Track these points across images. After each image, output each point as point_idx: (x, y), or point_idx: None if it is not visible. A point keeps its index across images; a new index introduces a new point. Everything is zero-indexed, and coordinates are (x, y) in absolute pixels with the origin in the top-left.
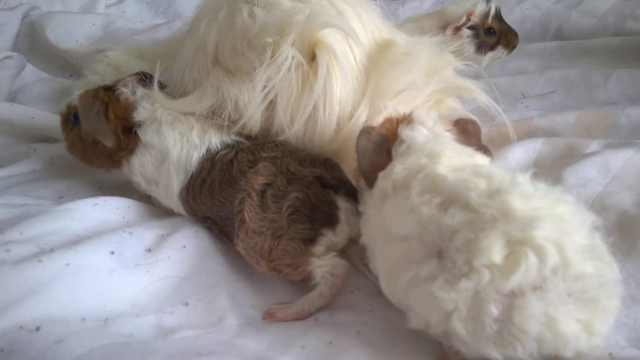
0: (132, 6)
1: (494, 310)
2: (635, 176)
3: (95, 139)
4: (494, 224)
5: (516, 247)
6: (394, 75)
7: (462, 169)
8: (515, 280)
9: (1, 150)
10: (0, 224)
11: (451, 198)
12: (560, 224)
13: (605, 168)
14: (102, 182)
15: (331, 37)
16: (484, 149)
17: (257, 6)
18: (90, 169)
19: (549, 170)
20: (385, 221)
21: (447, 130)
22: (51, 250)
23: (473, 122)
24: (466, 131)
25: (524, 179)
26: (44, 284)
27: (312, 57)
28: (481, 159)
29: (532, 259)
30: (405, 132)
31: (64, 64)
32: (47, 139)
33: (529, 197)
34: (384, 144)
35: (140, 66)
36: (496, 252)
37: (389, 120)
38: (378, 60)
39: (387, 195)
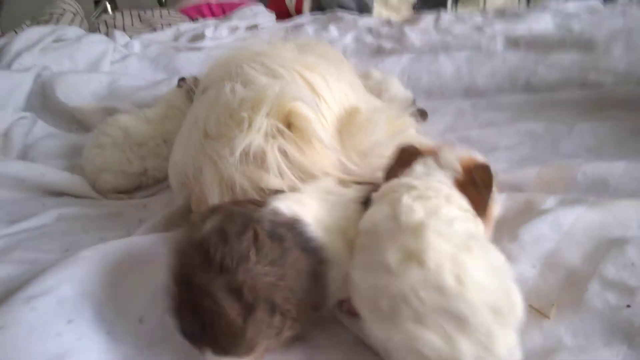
0: (135, 63)
1: None
2: (583, 233)
3: None
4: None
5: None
6: (359, 137)
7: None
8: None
9: (13, 205)
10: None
11: None
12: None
13: (557, 225)
14: (105, 235)
15: (303, 106)
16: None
17: (239, 83)
18: (94, 223)
19: (509, 226)
20: None
21: (455, 170)
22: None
23: (486, 170)
24: (477, 178)
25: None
26: None
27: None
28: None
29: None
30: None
31: (71, 119)
32: (56, 193)
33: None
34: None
35: (147, 130)
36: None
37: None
38: (346, 124)
39: None
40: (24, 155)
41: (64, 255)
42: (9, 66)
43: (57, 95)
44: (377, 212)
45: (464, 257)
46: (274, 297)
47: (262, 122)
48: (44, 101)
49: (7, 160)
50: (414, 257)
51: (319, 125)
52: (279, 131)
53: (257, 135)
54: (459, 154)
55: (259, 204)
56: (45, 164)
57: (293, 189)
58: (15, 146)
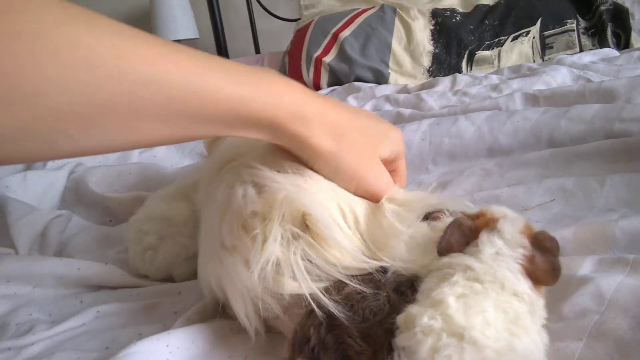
0: (162, 150)
1: None
2: (628, 299)
3: None
4: None
5: None
6: (385, 240)
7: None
8: None
9: (53, 304)
10: None
11: None
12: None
13: (599, 296)
14: (142, 330)
15: (317, 209)
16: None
17: (250, 185)
18: (131, 318)
19: (548, 299)
20: None
21: (523, 246)
22: None
23: (552, 240)
24: (544, 248)
25: None
26: None
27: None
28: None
29: None
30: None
31: (104, 210)
32: (92, 287)
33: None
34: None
35: (183, 206)
36: None
37: (483, 215)
38: (371, 223)
39: None
40: (60, 252)
41: (104, 355)
42: (43, 165)
43: (90, 187)
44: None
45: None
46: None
47: (277, 232)
48: (77, 196)
49: (45, 259)
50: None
51: (337, 229)
52: (296, 236)
53: (273, 246)
54: (518, 225)
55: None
56: (81, 258)
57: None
58: (52, 244)
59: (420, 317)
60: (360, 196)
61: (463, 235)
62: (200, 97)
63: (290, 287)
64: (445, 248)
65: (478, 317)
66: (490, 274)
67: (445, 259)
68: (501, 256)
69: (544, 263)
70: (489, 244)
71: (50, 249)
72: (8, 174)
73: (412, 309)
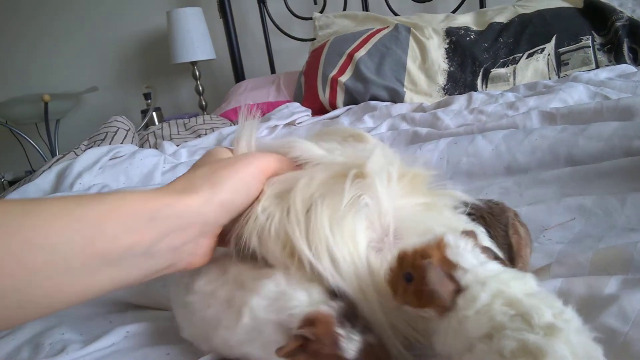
0: (183, 171)
1: None
2: None
3: None
4: None
5: None
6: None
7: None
8: None
9: (84, 324)
10: None
11: None
12: None
13: (623, 316)
14: (170, 349)
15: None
16: None
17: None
18: (160, 340)
19: None
20: None
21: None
22: None
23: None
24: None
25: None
26: None
27: None
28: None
29: None
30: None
31: None
32: (120, 307)
33: None
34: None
35: None
36: None
37: (421, 252)
38: None
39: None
40: None
41: None
42: (71, 187)
43: None
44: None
45: None
46: None
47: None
48: None
49: None
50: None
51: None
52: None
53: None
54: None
55: None
56: None
57: None
58: None
59: None
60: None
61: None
62: None
63: None
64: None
65: None
66: None
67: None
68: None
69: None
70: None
71: None
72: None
73: None
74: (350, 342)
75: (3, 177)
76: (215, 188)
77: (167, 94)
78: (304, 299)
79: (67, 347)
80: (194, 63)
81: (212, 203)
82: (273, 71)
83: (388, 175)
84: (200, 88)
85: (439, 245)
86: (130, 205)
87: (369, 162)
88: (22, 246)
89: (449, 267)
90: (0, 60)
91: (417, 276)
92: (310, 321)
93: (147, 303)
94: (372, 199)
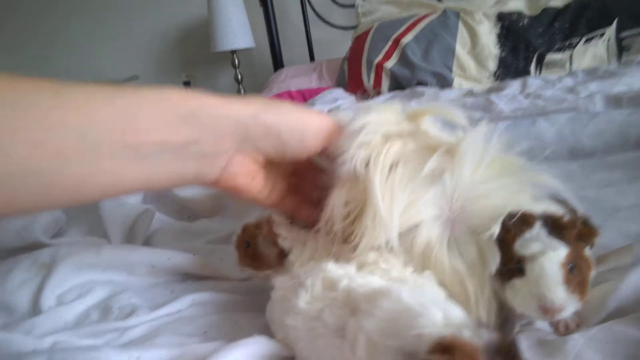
0: None
1: None
2: None
3: None
4: None
5: None
6: None
7: None
8: None
9: (147, 291)
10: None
11: None
12: None
13: None
14: (236, 318)
15: None
16: None
17: None
18: (226, 309)
19: None
20: None
21: None
22: None
23: None
24: None
25: None
26: None
27: None
28: None
29: None
30: None
31: (182, 209)
32: (180, 277)
33: None
34: None
35: None
36: None
37: None
38: None
39: None
40: (146, 245)
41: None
42: None
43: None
44: None
45: None
46: None
47: None
48: (156, 194)
49: (138, 248)
50: None
51: None
52: None
53: None
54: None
55: None
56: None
57: None
58: (139, 238)
59: None
60: None
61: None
62: None
63: None
64: None
65: None
66: None
67: None
68: None
69: None
70: None
71: (138, 242)
72: None
73: None
74: None
75: None
76: (267, 109)
77: (206, 82)
78: (438, 318)
79: (135, 310)
80: (233, 52)
81: (256, 119)
82: (312, 60)
83: (479, 159)
84: (239, 76)
85: (269, 220)
86: (168, 99)
87: (464, 142)
88: (52, 127)
89: (274, 236)
90: (45, 49)
91: (252, 243)
92: (445, 347)
93: (207, 273)
94: (451, 179)
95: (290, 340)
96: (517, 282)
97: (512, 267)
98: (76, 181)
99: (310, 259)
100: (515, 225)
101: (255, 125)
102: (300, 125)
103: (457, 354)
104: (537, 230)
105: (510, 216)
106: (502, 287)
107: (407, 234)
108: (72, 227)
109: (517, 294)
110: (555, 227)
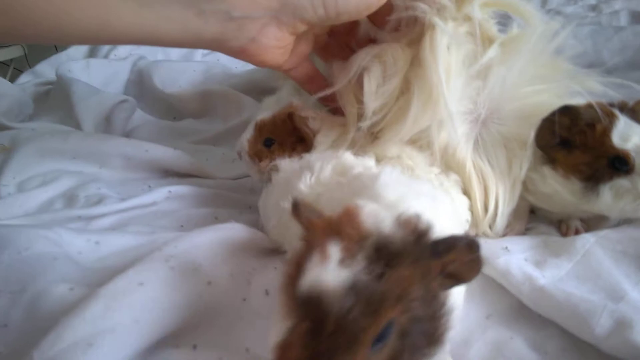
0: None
1: None
2: None
3: None
4: None
5: None
6: None
7: None
8: None
9: (121, 185)
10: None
11: None
12: None
13: None
14: (217, 213)
15: None
16: None
17: None
18: (206, 203)
19: None
20: None
21: None
22: None
23: None
24: None
25: None
26: None
27: None
28: None
29: None
30: None
31: (168, 107)
32: (160, 172)
33: None
34: None
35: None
36: None
37: None
38: None
39: None
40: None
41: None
42: (106, 57)
43: (154, 83)
44: None
45: None
46: None
47: None
48: (141, 89)
49: (112, 138)
50: None
51: None
52: None
53: None
54: None
55: None
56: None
57: None
58: (117, 129)
59: None
60: None
61: None
62: None
63: None
64: None
65: None
66: None
67: None
68: None
69: None
70: None
71: (117, 133)
72: (69, 60)
73: None
74: None
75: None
76: None
77: None
78: None
79: (104, 199)
80: None
81: None
82: None
83: (534, 59)
84: None
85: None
86: None
87: (522, 39)
88: None
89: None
90: None
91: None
92: None
93: (191, 171)
94: (498, 74)
95: (282, 223)
96: (621, 182)
97: (600, 167)
98: (98, 21)
99: (336, 141)
100: (594, 117)
101: None
102: None
103: None
104: (623, 120)
105: (568, 110)
106: (594, 192)
107: (430, 128)
108: (41, 115)
109: (625, 195)
110: (633, 111)
